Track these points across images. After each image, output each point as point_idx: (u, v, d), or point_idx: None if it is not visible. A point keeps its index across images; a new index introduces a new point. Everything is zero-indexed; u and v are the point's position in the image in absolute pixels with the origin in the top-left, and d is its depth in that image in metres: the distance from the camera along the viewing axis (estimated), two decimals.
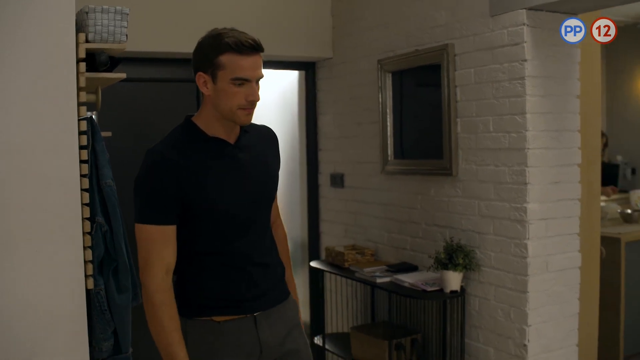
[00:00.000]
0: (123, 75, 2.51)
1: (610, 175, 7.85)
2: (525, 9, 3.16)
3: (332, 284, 4.66)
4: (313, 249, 4.99)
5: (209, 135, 2.17)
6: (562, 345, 3.40)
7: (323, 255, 4.77)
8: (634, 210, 5.55)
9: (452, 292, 3.49)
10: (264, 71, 2.18)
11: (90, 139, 2.43)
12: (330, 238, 4.85)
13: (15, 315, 2.19)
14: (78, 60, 2.29)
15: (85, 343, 2.34)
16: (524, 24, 3.17)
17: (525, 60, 3.16)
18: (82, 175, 2.32)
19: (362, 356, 3.93)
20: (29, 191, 2.19)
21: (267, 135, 2.41)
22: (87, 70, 2.35)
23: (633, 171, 8.14)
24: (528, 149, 3.19)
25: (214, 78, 2.09)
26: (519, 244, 3.25)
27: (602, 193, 6.34)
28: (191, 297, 2.19)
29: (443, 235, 3.70)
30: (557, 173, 3.29)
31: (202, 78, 2.12)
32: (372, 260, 4.22)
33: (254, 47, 2.07)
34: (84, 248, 2.34)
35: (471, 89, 3.49)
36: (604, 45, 8.17)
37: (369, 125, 4.37)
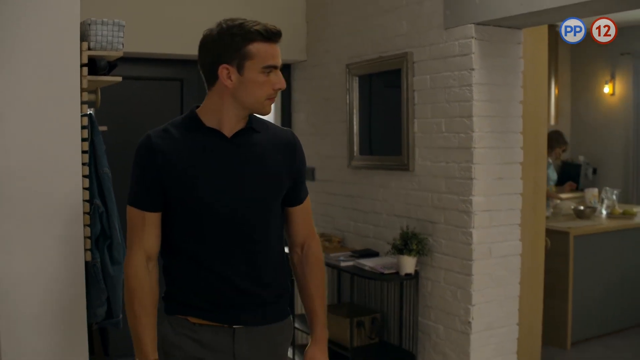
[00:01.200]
0: (119, 79, 2.95)
1: (572, 175, 8.38)
2: (473, 23, 3.63)
3: None
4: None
5: (206, 125, 2.09)
6: (504, 324, 3.88)
7: None
8: (586, 207, 6.05)
9: (407, 275, 3.96)
10: None
11: (90, 132, 2.86)
12: None
13: (26, 280, 2.63)
14: (81, 65, 2.72)
15: (84, 307, 2.78)
16: (472, 37, 3.64)
17: (473, 69, 3.64)
18: (83, 164, 2.76)
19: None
20: (39, 177, 2.63)
21: (282, 140, 2.22)
22: (89, 74, 2.77)
23: (594, 171, 8.63)
24: (474, 148, 3.66)
25: (240, 68, 2.01)
26: (465, 232, 3.72)
27: (561, 190, 6.84)
28: (170, 292, 2.17)
29: (401, 224, 4.16)
30: (500, 170, 3.77)
31: (225, 70, 2.01)
32: (339, 247, 4.68)
33: (279, 34, 2.05)
34: (84, 226, 2.77)
35: (427, 93, 3.96)
36: (571, 53, 8.70)
37: (338, 124, 4.83)
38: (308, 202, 2.31)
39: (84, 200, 2.76)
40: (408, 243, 3.89)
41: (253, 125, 2.14)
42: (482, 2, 3.56)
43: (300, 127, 5.30)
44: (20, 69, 2.57)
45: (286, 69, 5.40)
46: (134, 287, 2.06)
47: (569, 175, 8.38)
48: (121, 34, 2.83)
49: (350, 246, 4.70)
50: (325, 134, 5.01)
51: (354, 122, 4.64)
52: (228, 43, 1.99)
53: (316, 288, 2.26)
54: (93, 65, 2.81)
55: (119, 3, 4.15)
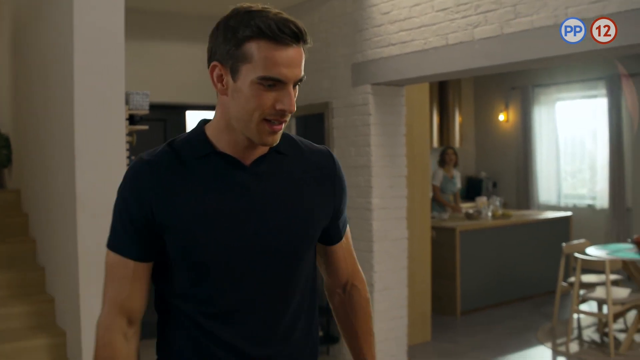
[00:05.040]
0: (146, 127, 4.87)
1: (476, 188, 10.48)
2: (370, 84, 5.66)
3: None
4: None
5: (217, 149, 1.62)
6: (396, 287, 5.87)
7: None
8: (474, 211, 8.13)
9: None
10: None
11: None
12: None
13: (89, 249, 4.50)
14: (126, 119, 4.62)
15: None
16: (370, 93, 5.66)
17: (370, 114, 5.66)
18: None
19: None
20: (104, 192, 4.50)
21: (318, 164, 1.77)
22: (129, 124, 4.69)
23: (494, 184, 10.72)
24: (372, 166, 5.67)
25: (234, 72, 1.54)
26: (368, 223, 5.72)
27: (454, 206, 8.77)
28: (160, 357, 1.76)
29: None
30: (390, 181, 5.78)
31: (217, 70, 1.57)
32: None
33: (297, 36, 1.51)
34: None
35: (342, 130, 5.97)
36: (474, 88, 10.85)
37: None
38: (349, 235, 1.92)
39: None
40: None
41: (280, 148, 1.68)
42: (376, 71, 5.58)
43: None
44: (92, 122, 4.45)
45: None
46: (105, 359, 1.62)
47: (474, 188, 10.50)
48: (147, 99, 4.77)
49: None
50: None
51: None
52: (225, 35, 1.54)
53: (366, 334, 1.92)
54: (131, 118, 4.73)
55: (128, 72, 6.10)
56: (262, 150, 1.66)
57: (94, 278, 4.28)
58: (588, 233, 8.68)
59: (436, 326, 6.86)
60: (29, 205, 5.80)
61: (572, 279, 6.32)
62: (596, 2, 4.00)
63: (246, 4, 1.58)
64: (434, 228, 7.18)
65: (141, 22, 6.25)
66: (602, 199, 9.57)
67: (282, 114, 1.55)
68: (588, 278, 6.64)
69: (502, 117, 10.65)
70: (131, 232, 1.62)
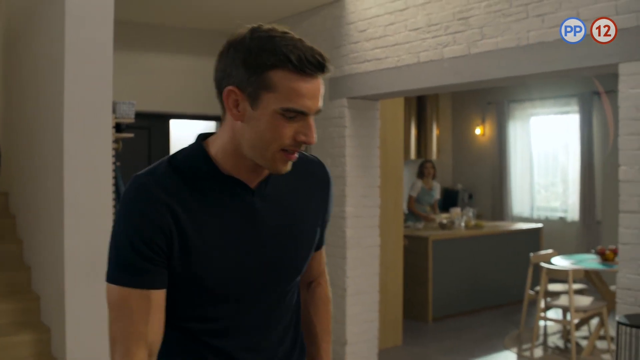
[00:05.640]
0: (131, 135, 5.13)
1: (452, 199, 10.77)
2: (346, 97, 5.95)
3: None
4: None
5: (221, 171, 1.57)
6: (368, 291, 6.16)
7: None
8: (448, 221, 8.43)
9: None
10: None
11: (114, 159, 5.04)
12: None
13: (75, 250, 4.75)
14: (112, 126, 4.89)
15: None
16: (345, 106, 5.96)
17: (346, 127, 5.95)
18: (113, 179, 4.93)
19: None
20: (93, 188, 4.75)
21: (315, 177, 1.78)
22: (116, 132, 4.96)
23: (470, 196, 11.01)
24: (347, 177, 5.96)
25: (253, 100, 1.47)
26: (341, 230, 6.01)
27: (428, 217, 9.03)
28: None
29: None
30: (364, 191, 6.07)
31: (233, 95, 1.49)
32: None
33: (322, 67, 1.47)
34: (111, 220, 4.92)
35: (319, 141, 6.22)
36: (452, 102, 11.15)
37: None
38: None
39: (112, 199, 4.93)
40: None
41: None
42: (352, 85, 5.87)
43: None
44: (81, 129, 4.71)
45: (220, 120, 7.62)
46: None
47: (450, 200, 10.80)
48: (133, 109, 5.04)
49: None
50: None
51: None
52: (246, 59, 1.46)
53: (324, 330, 1.95)
54: (118, 126, 5.00)
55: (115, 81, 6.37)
56: (265, 171, 1.61)
57: (79, 277, 4.55)
58: (559, 244, 8.99)
59: (407, 331, 7.14)
60: (17, 208, 6.03)
61: (539, 287, 6.62)
62: (553, 27, 4.33)
63: (265, 27, 1.50)
64: (407, 237, 7.47)
65: (129, 34, 6.52)
66: (573, 212, 9.89)
67: (299, 145, 1.52)
68: (554, 287, 6.95)
69: (478, 130, 10.97)
70: (146, 258, 1.49)
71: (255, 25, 1.52)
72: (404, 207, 7.73)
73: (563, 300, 6.53)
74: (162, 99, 6.87)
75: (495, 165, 10.76)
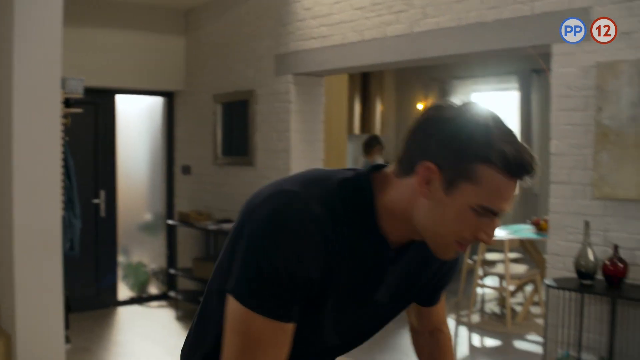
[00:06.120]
0: (80, 110, 5.21)
1: None
2: (292, 74, 6.10)
3: (182, 234, 7.47)
4: (169, 214, 7.75)
5: (378, 229, 1.43)
6: None
7: (176, 217, 7.53)
8: None
9: None
10: None
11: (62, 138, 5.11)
12: (181, 207, 7.63)
13: (25, 225, 4.84)
14: (61, 102, 4.96)
15: (59, 242, 5.00)
16: (291, 82, 6.11)
17: (291, 102, 6.10)
18: (62, 155, 5.01)
19: (199, 274, 6.77)
20: (40, 165, 4.84)
21: (445, 263, 1.65)
22: (64, 107, 5.03)
23: None
24: (292, 150, 6.12)
25: (450, 185, 1.35)
26: None
27: None
28: None
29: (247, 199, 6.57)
30: (308, 164, 6.23)
31: (429, 172, 1.35)
32: (207, 217, 7.05)
33: (531, 171, 1.34)
34: (60, 195, 5.02)
35: (264, 116, 6.41)
36: (395, 79, 11.36)
37: (207, 135, 7.21)
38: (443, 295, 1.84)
39: (60, 179, 5.01)
40: None
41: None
42: (298, 62, 6.02)
43: (181, 137, 7.64)
44: (30, 104, 4.78)
45: (171, 95, 7.72)
46: None
47: None
48: (82, 84, 5.11)
49: (215, 217, 7.08)
50: (198, 141, 7.38)
51: (217, 134, 7.05)
52: (452, 141, 1.34)
53: None
54: (67, 101, 5.08)
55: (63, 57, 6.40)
56: (407, 237, 1.48)
57: (29, 253, 4.63)
58: None
59: None
60: None
61: (477, 256, 6.90)
62: (492, 8, 4.55)
63: (478, 108, 1.37)
64: None
65: (77, 10, 6.53)
66: None
67: (476, 241, 1.40)
68: (491, 256, 7.24)
69: (421, 106, 11.20)
70: (291, 290, 1.35)
71: (464, 100, 1.40)
72: None
73: (499, 268, 6.83)
74: (109, 75, 6.92)
75: None
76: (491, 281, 7.81)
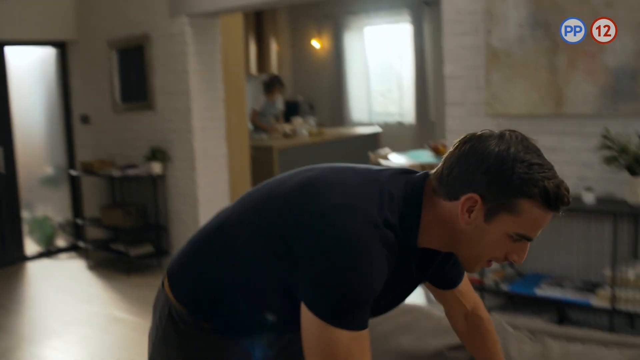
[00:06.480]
0: None
1: (293, 110, 11.12)
2: (185, 14, 6.12)
3: (86, 184, 7.45)
4: (71, 165, 7.67)
5: (417, 243, 1.59)
6: (219, 198, 6.44)
7: (79, 167, 7.45)
8: (291, 130, 8.81)
9: (157, 175, 6.46)
10: None
11: None
12: (83, 157, 7.55)
13: None
14: None
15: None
16: (186, 24, 6.11)
17: (187, 44, 6.11)
18: None
19: (108, 222, 6.81)
20: None
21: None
22: None
23: (311, 106, 11.40)
24: (191, 91, 6.16)
25: (490, 215, 1.47)
26: (190, 143, 6.24)
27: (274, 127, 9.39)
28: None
29: (149, 143, 6.62)
30: (208, 104, 6.30)
31: (472, 202, 1.48)
32: (110, 165, 7.05)
33: (566, 205, 1.47)
34: None
35: (161, 60, 6.39)
36: (290, 17, 11.42)
37: (103, 82, 7.15)
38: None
39: None
40: (155, 154, 6.39)
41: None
42: (191, 2, 6.00)
43: (77, 86, 7.55)
44: None
45: (63, 45, 7.56)
46: None
47: (292, 111, 11.16)
48: None
49: (118, 164, 7.08)
50: (96, 90, 7.29)
51: (115, 80, 7.00)
52: (498, 176, 1.45)
53: (496, 345, 1.98)
54: None
55: None
56: (432, 246, 1.63)
57: None
58: (397, 145, 9.47)
59: None
60: None
61: None
62: None
63: (525, 143, 1.48)
64: (253, 147, 7.79)
65: None
66: (409, 115, 10.47)
67: (504, 261, 1.56)
68: None
69: (316, 43, 11.33)
70: (370, 302, 1.50)
71: (506, 134, 1.50)
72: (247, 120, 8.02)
73: None
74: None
75: (333, 75, 11.17)
76: None
